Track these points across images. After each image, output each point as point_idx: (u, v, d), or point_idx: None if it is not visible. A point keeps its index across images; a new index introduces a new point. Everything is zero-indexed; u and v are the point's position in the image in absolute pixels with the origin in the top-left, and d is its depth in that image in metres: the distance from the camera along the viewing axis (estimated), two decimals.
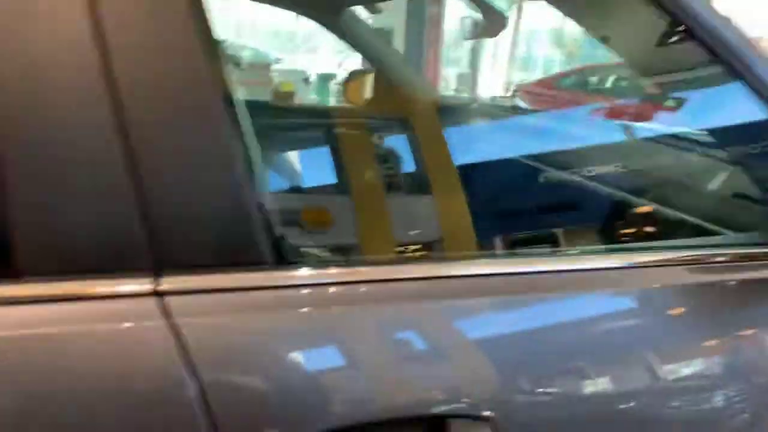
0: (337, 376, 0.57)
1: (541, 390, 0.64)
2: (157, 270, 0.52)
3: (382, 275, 0.62)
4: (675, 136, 1.17)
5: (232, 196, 0.54)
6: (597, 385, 0.67)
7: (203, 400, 0.51)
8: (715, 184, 1.01)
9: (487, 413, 0.59)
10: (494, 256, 0.79)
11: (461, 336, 0.63)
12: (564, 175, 1.25)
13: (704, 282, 0.74)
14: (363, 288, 0.60)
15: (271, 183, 1.20)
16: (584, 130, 1.53)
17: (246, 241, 0.55)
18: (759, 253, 0.78)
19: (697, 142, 1.11)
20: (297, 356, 0.56)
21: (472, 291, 0.64)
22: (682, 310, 0.73)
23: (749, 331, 0.76)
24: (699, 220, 0.94)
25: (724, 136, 0.93)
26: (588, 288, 0.69)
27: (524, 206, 1.25)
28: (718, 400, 0.73)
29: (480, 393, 0.61)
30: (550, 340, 0.66)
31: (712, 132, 1.04)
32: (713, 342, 0.74)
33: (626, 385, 0.68)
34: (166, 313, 0.51)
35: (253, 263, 0.55)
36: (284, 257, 0.57)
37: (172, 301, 0.52)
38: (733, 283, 0.75)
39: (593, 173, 1.20)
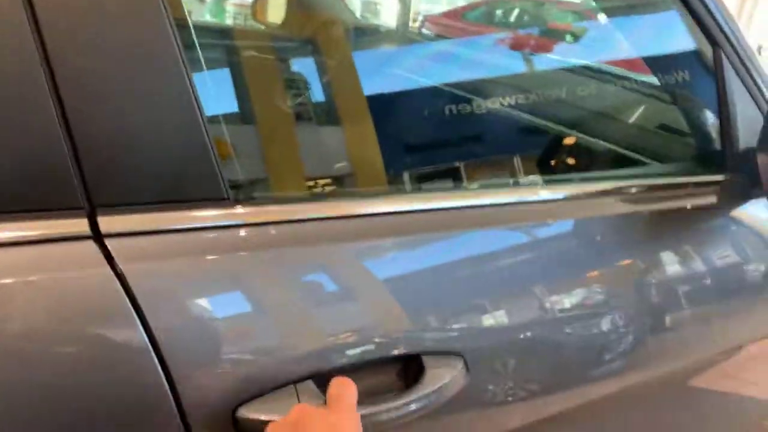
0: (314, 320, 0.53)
1: (487, 319, 0.63)
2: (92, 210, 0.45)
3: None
4: (601, 69, 1.17)
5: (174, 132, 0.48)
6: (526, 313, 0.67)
7: (155, 351, 0.45)
8: (640, 115, 1.03)
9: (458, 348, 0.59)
10: (428, 190, 0.76)
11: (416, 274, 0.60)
12: (483, 106, 1.22)
13: (622, 212, 0.75)
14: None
15: None
16: (502, 60, 1.50)
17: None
18: (680, 183, 0.81)
19: (622, 74, 1.12)
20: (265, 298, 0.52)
21: (408, 228, 0.61)
22: (602, 239, 0.74)
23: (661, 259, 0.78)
24: (624, 151, 0.95)
25: (653, 67, 0.94)
26: (531, 219, 0.69)
27: (443, 138, 1.22)
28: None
29: (452, 330, 0.60)
30: (482, 273, 0.64)
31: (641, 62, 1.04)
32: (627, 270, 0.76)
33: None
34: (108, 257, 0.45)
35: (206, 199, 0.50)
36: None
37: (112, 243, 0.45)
38: (648, 212, 0.77)
39: (514, 104, 1.18)
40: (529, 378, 0.67)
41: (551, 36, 1.61)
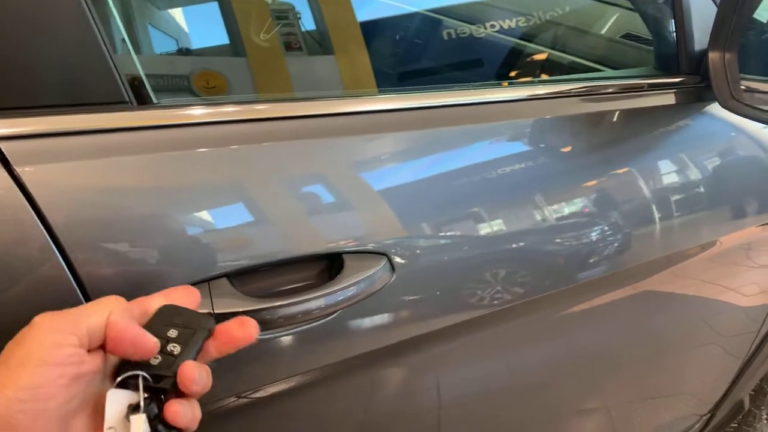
0: (228, 218, 0.54)
1: (434, 224, 0.63)
2: None
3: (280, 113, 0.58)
4: None
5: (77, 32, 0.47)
6: (491, 216, 0.67)
7: (63, 255, 0.46)
8: (608, 27, 0.99)
9: (381, 249, 0.59)
10: (394, 92, 0.74)
11: (359, 173, 0.61)
12: (469, 30, 1.19)
13: (595, 111, 0.75)
14: (258, 126, 0.56)
15: (155, 45, 1.08)
16: None
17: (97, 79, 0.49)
18: (643, 83, 0.80)
19: None
20: (176, 198, 0.52)
21: (372, 127, 0.62)
22: (575, 137, 0.73)
23: (636, 156, 0.78)
24: (592, 63, 0.92)
25: None
26: (486, 120, 0.69)
27: (430, 63, 1.20)
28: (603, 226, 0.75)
29: (376, 230, 0.60)
30: (448, 173, 0.65)
31: None
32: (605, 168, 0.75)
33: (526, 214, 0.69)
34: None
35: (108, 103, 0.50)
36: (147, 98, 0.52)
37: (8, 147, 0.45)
38: (620, 111, 0.77)
39: (496, 27, 1.15)
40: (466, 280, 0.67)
41: None
